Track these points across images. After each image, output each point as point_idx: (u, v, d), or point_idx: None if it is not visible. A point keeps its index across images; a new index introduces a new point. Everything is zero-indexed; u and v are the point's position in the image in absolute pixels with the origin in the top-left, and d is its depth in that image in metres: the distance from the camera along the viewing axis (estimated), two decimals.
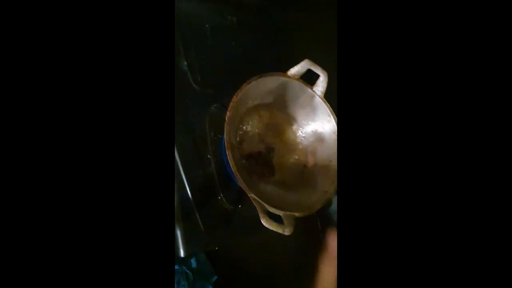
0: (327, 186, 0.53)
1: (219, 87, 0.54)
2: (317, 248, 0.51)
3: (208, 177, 0.51)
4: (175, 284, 0.54)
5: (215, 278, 0.59)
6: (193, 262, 0.58)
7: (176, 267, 0.56)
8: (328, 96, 0.57)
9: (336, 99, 0.58)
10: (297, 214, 0.46)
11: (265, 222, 0.41)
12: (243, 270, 0.60)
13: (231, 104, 0.46)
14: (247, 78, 0.49)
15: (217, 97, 0.54)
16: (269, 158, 0.56)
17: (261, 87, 0.52)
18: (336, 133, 0.56)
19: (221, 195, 0.51)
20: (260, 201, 0.43)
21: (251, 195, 0.43)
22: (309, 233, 0.61)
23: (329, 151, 0.56)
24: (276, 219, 0.44)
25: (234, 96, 0.47)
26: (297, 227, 0.44)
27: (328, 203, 0.52)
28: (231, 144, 0.46)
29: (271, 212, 0.44)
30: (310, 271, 0.62)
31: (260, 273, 0.62)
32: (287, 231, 0.43)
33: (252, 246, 0.61)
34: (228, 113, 0.45)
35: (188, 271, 0.56)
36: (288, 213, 0.45)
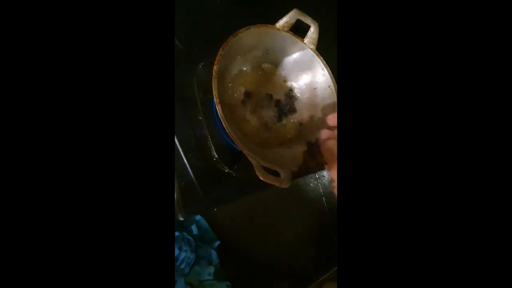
0: None
1: (205, 45, 0.51)
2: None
3: (201, 139, 0.49)
4: (178, 250, 0.54)
5: (217, 243, 0.59)
6: (194, 229, 0.58)
7: (177, 233, 0.55)
8: (320, 48, 0.54)
9: (329, 51, 0.56)
10: (294, 169, 0.45)
11: (261, 176, 0.40)
12: (245, 232, 0.60)
13: (217, 58, 0.43)
14: (234, 32, 0.46)
15: (204, 55, 0.51)
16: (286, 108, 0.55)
17: (249, 40, 0.49)
18: (331, 87, 0.54)
19: (216, 156, 0.50)
20: (255, 156, 0.42)
21: (245, 151, 0.42)
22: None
23: (325, 105, 0.54)
24: (274, 174, 0.43)
25: (220, 49, 0.44)
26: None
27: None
28: (222, 101, 0.44)
29: (268, 168, 0.43)
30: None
31: (261, 233, 0.62)
32: (284, 184, 0.42)
33: (251, 206, 0.60)
34: (215, 67, 0.43)
35: (190, 237, 0.56)
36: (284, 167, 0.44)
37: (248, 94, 0.52)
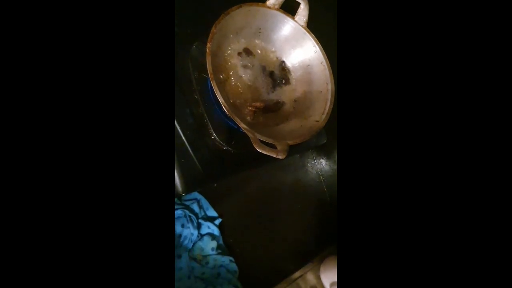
0: (318, 116, 0.53)
1: (199, 26, 0.52)
2: None
3: (198, 118, 0.51)
4: (180, 227, 0.56)
5: (219, 220, 0.61)
6: (196, 208, 0.60)
7: (180, 212, 0.57)
8: (310, 25, 0.55)
9: (320, 27, 0.57)
10: (289, 142, 0.47)
11: (258, 147, 0.42)
12: (244, 208, 0.62)
13: (210, 35, 0.44)
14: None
15: (198, 36, 0.52)
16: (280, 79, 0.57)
17: (241, 19, 0.50)
18: (323, 63, 0.55)
19: (214, 134, 0.51)
20: (251, 130, 0.43)
21: (242, 126, 0.43)
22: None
23: (318, 81, 0.55)
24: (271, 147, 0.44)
25: (213, 27, 0.45)
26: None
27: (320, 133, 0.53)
28: (218, 78, 0.45)
29: (265, 141, 0.44)
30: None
31: (261, 210, 0.64)
32: (280, 155, 0.43)
33: (250, 182, 0.62)
34: (208, 44, 0.44)
35: (192, 215, 0.58)
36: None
37: (247, 51, 0.54)
